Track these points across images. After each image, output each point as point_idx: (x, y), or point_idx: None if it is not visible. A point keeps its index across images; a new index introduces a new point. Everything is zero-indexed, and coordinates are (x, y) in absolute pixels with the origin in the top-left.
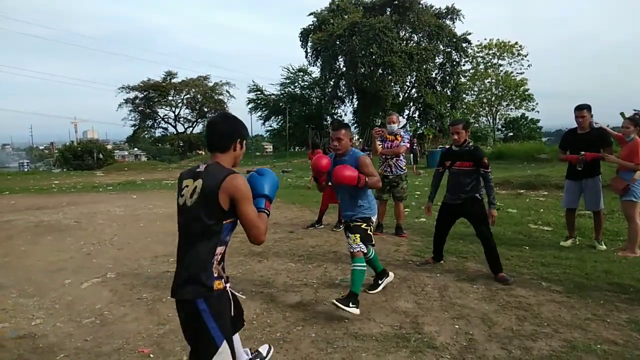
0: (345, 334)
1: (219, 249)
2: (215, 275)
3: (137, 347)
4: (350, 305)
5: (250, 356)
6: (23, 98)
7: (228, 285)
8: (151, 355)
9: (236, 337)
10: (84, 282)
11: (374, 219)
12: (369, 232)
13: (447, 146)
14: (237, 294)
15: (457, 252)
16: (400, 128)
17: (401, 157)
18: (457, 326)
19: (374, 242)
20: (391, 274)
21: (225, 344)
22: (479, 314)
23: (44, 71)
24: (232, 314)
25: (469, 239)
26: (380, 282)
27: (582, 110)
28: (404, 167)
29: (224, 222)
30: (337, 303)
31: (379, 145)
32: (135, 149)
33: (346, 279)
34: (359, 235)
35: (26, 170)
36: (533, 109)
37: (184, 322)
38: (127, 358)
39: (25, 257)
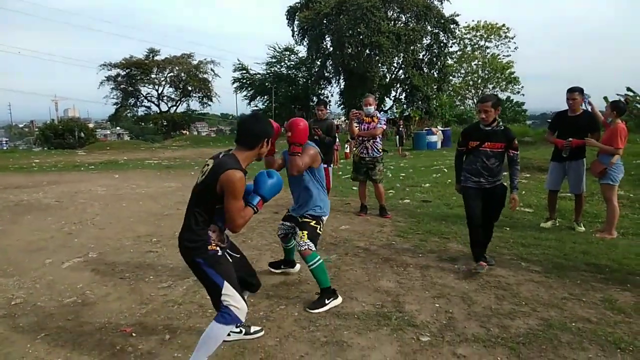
0: (327, 313)
1: (213, 227)
2: (213, 243)
3: (120, 327)
4: (326, 301)
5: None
6: (1, 75)
7: (224, 250)
8: (134, 334)
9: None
10: (65, 262)
11: (325, 219)
12: (317, 230)
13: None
14: (233, 254)
15: (440, 232)
16: (384, 111)
17: (378, 139)
18: (437, 305)
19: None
20: (297, 266)
21: (226, 284)
22: (459, 293)
23: (23, 47)
24: (237, 273)
25: (451, 219)
26: (283, 267)
27: (573, 92)
28: (380, 150)
29: (217, 206)
30: (312, 311)
31: (356, 127)
32: (118, 128)
33: (329, 259)
34: (306, 232)
35: (5, 148)
36: (518, 92)
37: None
38: (109, 337)
39: (5, 237)
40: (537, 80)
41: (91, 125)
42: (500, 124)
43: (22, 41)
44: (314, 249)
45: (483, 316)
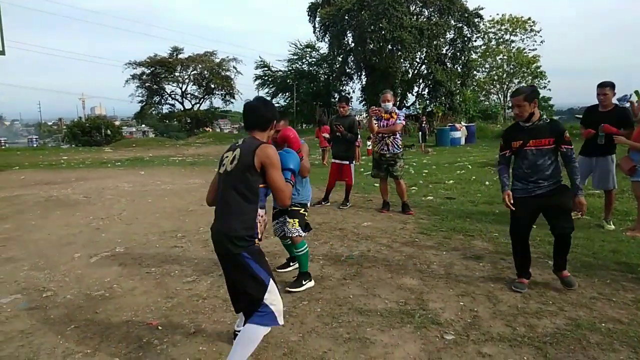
0: (350, 310)
1: (260, 212)
2: (259, 235)
3: (146, 320)
4: (303, 282)
5: None
6: (31, 74)
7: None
8: (159, 328)
9: None
10: (93, 256)
11: (309, 204)
12: (305, 216)
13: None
14: None
15: (464, 230)
16: (406, 107)
17: (397, 135)
18: (461, 303)
19: (311, 228)
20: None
21: (272, 282)
22: (484, 292)
23: (52, 47)
24: None
25: (476, 217)
26: (292, 264)
27: (604, 87)
28: (400, 146)
29: (260, 186)
30: (292, 290)
31: (375, 124)
32: (143, 126)
33: (352, 256)
34: (297, 220)
35: (35, 146)
36: (545, 87)
37: (230, 275)
38: (136, 330)
39: (36, 231)
40: (564, 74)
41: (117, 123)
42: (544, 117)
43: (51, 41)
44: (303, 235)
45: (509, 315)
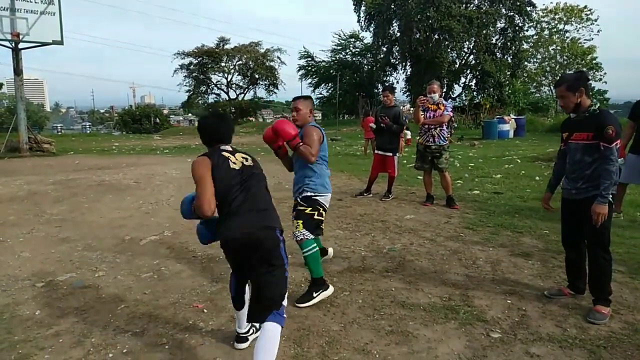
0: (392, 302)
1: None
2: None
3: (192, 302)
4: (314, 294)
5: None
6: (85, 63)
7: None
8: (205, 311)
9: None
10: (142, 239)
11: (326, 204)
12: (315, 217)
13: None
14: None
15: (512, 226)
16: (452, 98)
17: (444, 127)
18: (509, 301)
19: (321, 231)
20: (331, 250)
21: None
22: (533, 290)
23: (104, 36)
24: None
25: (525, 213)
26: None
27: None
28: (447, 137)
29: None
30: (300, 305)
31: (422, 115)
32: (190, 114)
33: (394, 249)
34: (301, 221)
35: (88, 132)
36: (600, 79)
37: (261, 270)
38: (183, 312)
39: (89, 214)
40: (621, 66)
41: (165, 112)
42: (593, 108)
43: (104, 31)
44: (310, 237)
45: (559, 315)
